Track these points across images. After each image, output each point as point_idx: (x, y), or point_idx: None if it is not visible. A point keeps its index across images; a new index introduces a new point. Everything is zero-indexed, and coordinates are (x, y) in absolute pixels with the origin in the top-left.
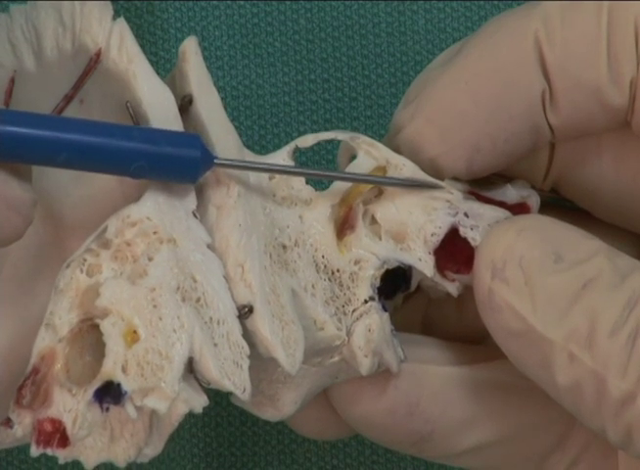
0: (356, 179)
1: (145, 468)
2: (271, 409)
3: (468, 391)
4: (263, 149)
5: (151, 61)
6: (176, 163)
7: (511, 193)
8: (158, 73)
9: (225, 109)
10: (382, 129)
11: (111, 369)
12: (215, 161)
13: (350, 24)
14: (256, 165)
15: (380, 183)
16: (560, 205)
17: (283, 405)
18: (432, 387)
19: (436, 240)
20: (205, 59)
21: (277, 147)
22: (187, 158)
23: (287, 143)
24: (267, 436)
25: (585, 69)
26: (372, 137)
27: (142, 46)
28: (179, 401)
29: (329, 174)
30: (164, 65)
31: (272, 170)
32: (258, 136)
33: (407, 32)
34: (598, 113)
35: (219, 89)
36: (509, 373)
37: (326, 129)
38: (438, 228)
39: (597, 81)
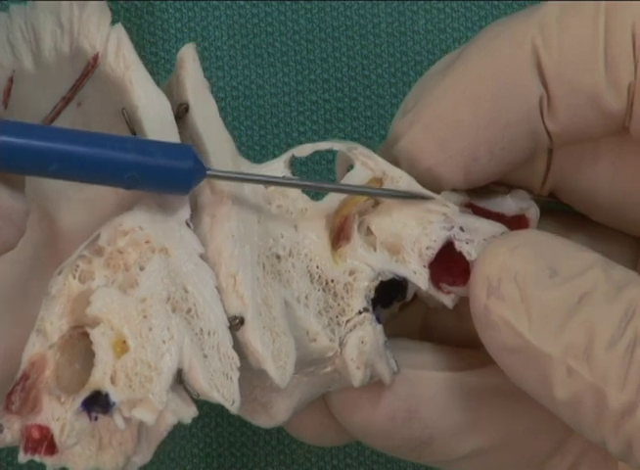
0: (350, 191)
1: (145, 468)
2: (264, 417)
3: (466, 396)
4: (263, 149)
5: (151, 61)
6: (169, 173)
7: (509, 205)
8: (157, 74)
9: (225, 109)
10: (382, 129)
11: (99, 379)
12: (208, 172)
13: (350, 25)
14: (249, 177)
15: (373, 195)
16: (558, 208)
17: (276, 413)
18: (430, 393)
19: (431, 253)
20: (206, 59)
21: (277, 147)
22: (179, 169)
23: (287, 143)
24: (267, 436)
25: (583, 74)
26: (372, 138)
27: (142, 46)
28: (168, 412)
29: (321, 186)
30: (164, 65)
31: (265, 182)
32: (258, 136)
33: (407, 32)
34: (596, 118)
35: (219, 89)
36: (507, 378)
37: (326, 129)
38: (434, 242)
39: (594, 87)
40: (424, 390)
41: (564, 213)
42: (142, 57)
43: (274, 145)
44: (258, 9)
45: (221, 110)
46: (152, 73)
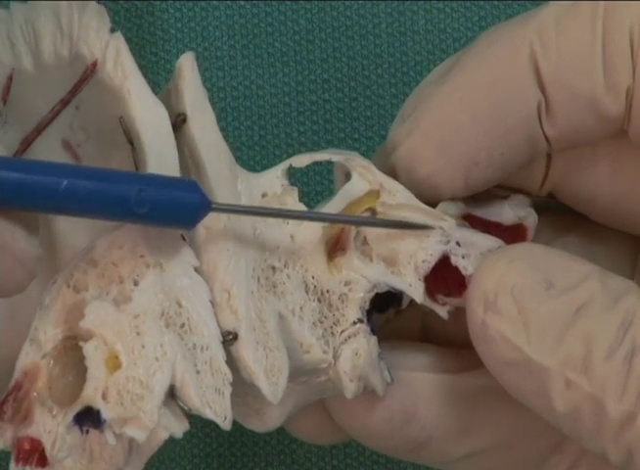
0: (347, 222)
1: (145, 468)
2: (257, 421)
3: (464, 397)
4: (263, 149)
5: (151, 61)
6: (177, 209)
7: (507, 213)
8: (157, 74)
9: (225, 109)
10: (382, 129)
11: (91, 395)
12: (213, 205)
13: (350, 24)
14: (253, 210)
15: (371, 225)
16: (556, 207)
17: (269, 419)
18: (427, 394)
19: (427, 267)
20: (206, 59)
21: (277, 147)
22: (187, 203)
23: (287, 143)
24: (267, 436)
25: (581, 79)
26: (372, 138)
27: (142, 46)
28: (159, 428)
29: (321, 217)
30: (164, 65)
31: (267, 214)
32: (258, 136)
33: (407, 32)
34: (594, 123)
35: (219, 89)
36: None
37: (326, 129)
38: (430, 256)
39: (593, 91)
40: (421, 391)
41: (561, 213)
42: (142, 57)
43: (274, 145)
44: (258, 9)
45: (221, 110)
46: (152, 74)
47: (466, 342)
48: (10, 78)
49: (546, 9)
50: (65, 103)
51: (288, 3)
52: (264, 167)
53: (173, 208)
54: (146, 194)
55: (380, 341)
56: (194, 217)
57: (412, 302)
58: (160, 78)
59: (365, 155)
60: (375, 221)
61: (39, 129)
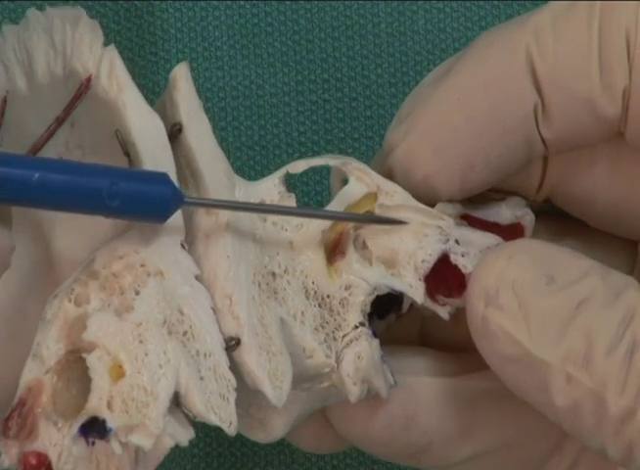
0: (325, 217)
1: None
2: (260, 432)
3: (464, 401)
4: (263, 149)
5: (151, 61)
6: (148, 202)
7: (505, 213)
8: (157, 74)
9: (225, 109)
10: (382, 129)
11: (96, 405)
12: (185, 199)
13: (350, 24)
14: (226, 204)
15: (349, 220)
16: (554, 212)
17: (272, 429)
18: (427, 398)
19: (427, 267)
20: (206, 59)
21: (277, 147)
22: (158, 197)
23: (287, 143)
24: None
25: (577, 81)
26: (372, 138)
27: (142, 46)
28: (165, 436)
29: (298, 212)
30: (164, 65)
31: (242, 209)
32: (258, 136)
33: (407, 32)
34: (591, 124)
35: (219, 89)
36: None
37: (326, 129)
38: (429, 255)
39: (589, 93)
40: (421, 396)
41: (559, 218)
42: (142, 57)
43: (274, 145)
44: (258, 9)
45: (221, 110)
46: (152, 74)
47: (465, 345)
48: (4, 101)
49: (543, 10)
50: (60, 121)
51: (288, 3)
52: (264, 167)
53: (145, 201)
54: (118, 187)
55: (380, 346)
56: (166, 211)
57: (411, 307)
58: (159, 78)
59: (365, 155)
60: (347, 216)
61: (35, 150)
